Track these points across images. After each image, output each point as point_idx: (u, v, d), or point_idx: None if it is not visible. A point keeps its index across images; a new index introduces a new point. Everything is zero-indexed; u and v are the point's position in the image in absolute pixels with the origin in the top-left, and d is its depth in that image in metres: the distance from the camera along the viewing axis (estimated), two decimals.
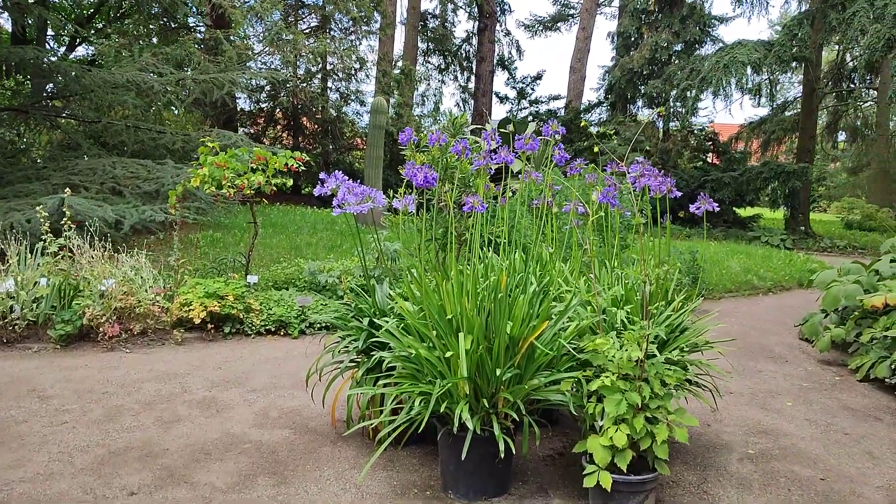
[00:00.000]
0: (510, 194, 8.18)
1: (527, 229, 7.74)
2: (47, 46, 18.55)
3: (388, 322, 3.52)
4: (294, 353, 5.52)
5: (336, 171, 3.66)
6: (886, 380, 5.10)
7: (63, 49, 19.83)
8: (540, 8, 74.95)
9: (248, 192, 6.23)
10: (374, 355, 3.55)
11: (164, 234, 9.32)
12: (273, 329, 6.07)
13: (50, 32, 20.12)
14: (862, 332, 5.63)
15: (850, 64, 19.83)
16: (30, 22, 14.95)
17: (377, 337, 3.59)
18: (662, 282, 3.64)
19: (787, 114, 22.34)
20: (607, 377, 2.88)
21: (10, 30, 16.46)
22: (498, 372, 3.05)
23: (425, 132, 7.43)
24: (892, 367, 5.07)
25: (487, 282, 3.31)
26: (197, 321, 5.75)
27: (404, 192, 5.54)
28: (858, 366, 5.42)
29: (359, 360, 3.83)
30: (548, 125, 3.39)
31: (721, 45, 18.10)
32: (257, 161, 6.46)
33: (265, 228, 10.63)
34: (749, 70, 13.64)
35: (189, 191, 6.51)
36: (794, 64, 15.32)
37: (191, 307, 5.81)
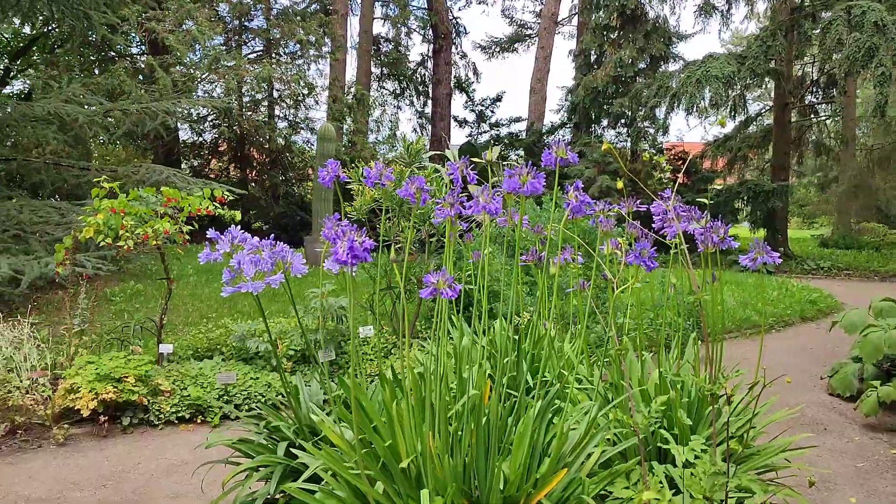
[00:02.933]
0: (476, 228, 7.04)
1: (497, 272, 6.61)
2: None
3: (311, 457, 2.32)
4: (211, 453, 4.25)
5: (231, 228, 2.48)
6: None
7: None
8: (495, 29, 74.83)
9: (154, 242, 4.98)
10: None
11: (75, 288, 7.95)
12: (188, 416, 4.80)
13: None
14: None
15: (815, 77, 19.30)
16: None
17: (299, 471, 2.39)
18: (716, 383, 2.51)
19: (750, 130, 21.72)
20: None
21: None
22: None
23: (381, 160, 6.28)
24: None
25: (464, 397, 2.14)
26: (86, 413, 4.45)
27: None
28: None
29: None
30: (549, 152, 2.25)
31: (682, 61, 17.40)
32: (168, 203, 5.23)
33: (197, 275, 9.31)
34: (722, 85, 12.79)
35: (81, 242, 5.22)
36: (766, 78, 14.60)
37: (78, 394, 4.52)
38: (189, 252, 7.26)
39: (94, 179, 5.24)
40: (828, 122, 22.57)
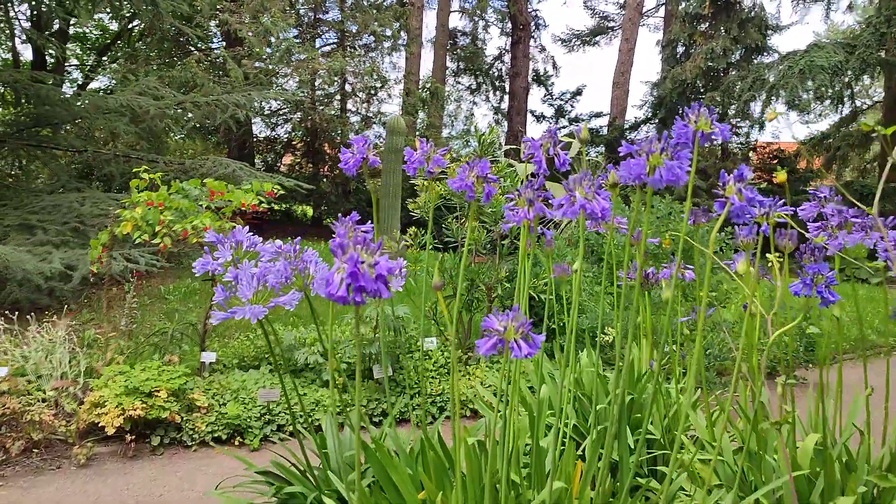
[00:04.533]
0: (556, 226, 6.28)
1: (586, 287, 5.84)
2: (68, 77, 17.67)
3: None
4: (249, 482, 3.69)
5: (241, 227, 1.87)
6: None
7: (81, 79, 18.65)
8: (576, 21, 73.01)
9: (195, 239, 4.47)
10: None
11: (132, 283, 7.61)
12: (225, 437, 4.26)
13: (74, 62, 19.06)
14: None
15: None
16: (51, 52, 13.77)
17: None
18: None
19: (851, 127, 20.05)
20: None
21: (30, 58, 15.25)
22: None
23: (454, 155, 5.60)
24: None
25: (542, 490, 1.46)
26: (110, 431, 3.96)
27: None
28: None
29: None
30: (685, 123, 1.53)
31: (777, 54, 16.08)
32: (212, 197, 4.72)
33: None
34: (829, 76, 11.56)
35: (119, 238, 4.75)
36: (876, 69, 13.25)
37: (104, 409, 4.03)
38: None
39: (134, 170, 4.78)
40: None
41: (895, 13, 11.85)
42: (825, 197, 2.07)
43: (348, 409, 4.53)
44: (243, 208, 4.60)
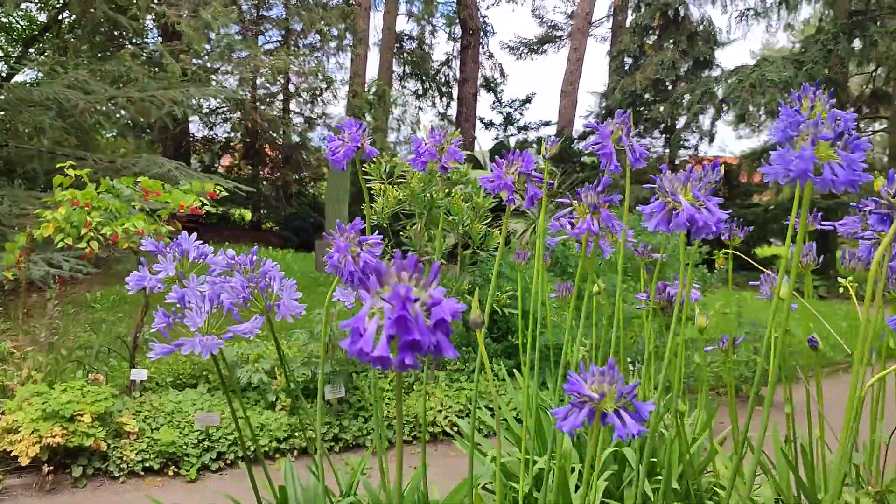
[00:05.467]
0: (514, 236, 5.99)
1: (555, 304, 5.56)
2: None
3: None
4: None
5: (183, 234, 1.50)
6: None
7: (6, 71, 17.52)
8: (524, 29, 73.39)
9: (126, 244, 4.01)
10: None
11: (54, 290, 6.99)
12: (157, 466, 3.80)
13: None
14: None
15: (863, 89, 18.15)
16: None
17: None
18: None
19: None
20: None
21: None
22: None
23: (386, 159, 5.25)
24: None
25: None
26: (25, 461, 3.47)
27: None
28: None
29: None
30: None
31: (720, 69, 16.29)
32: (147, 197, 4.26)
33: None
34: (779, 91, 11.67)
35: (38, 241, 4.25)
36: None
37: (18, 436, 3.54)
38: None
39: (58, 165, 4.29)
40: (875, 137, 21.43)
41: (843, 31, 12.07)
42: (870, 211, 1.81)
43: (296, 434, 4.14)
44: (182, 210, 4.16)
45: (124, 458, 3.75)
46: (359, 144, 1.25)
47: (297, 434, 4.14)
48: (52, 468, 3.58)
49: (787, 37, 27.96)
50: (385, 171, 5.17)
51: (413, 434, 4.36)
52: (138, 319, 4.53)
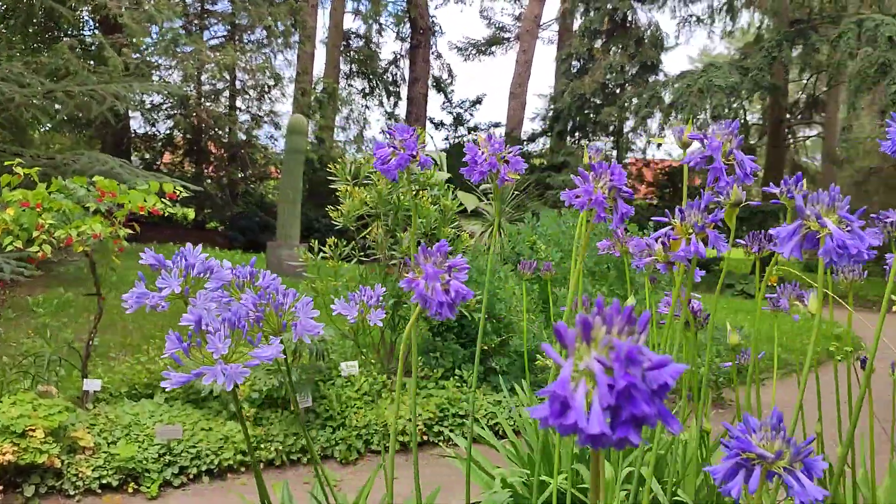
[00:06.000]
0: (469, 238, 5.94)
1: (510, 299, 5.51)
2: None
3: None
4: None
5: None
6: None
7: None
8: (472, 31, 73.68)
9: (80, 248, 3.79)
10: None
11: None
12: (116, 483, 3.60)
13: None
14: None
15: (797, 98, 18.76)
16: None
17: None
18: None
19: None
20: None
21: None
22: None
23: (351, 160, 5.12)
24: None
25: None
26: None
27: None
28: None
29: None
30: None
31: (664, 74, 16.60)
32: (102, 198, 4.03)
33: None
34: (725, 96, 11.94)
35: None
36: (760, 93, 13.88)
37: None
38: (130, 253, 5.97)
39: (6, 163, 4.03)
40: (807, 143, 22.23)
41: (786, 38, 12.42)
42: (893, 223, 1.79)
43: (262, 447, 3.98)
44: (142, 212, 3.95)
45: (80, 475, 3.53)
46: (414, 153, 1.15)
47: (262, 446, 3.99)
48: (1, 488, 3.35)
49: (723, 44, 28.75)
50: (350, 172, 5.05)
51: (383, 444, 4.25)
52: (91, 327, 4.31)
